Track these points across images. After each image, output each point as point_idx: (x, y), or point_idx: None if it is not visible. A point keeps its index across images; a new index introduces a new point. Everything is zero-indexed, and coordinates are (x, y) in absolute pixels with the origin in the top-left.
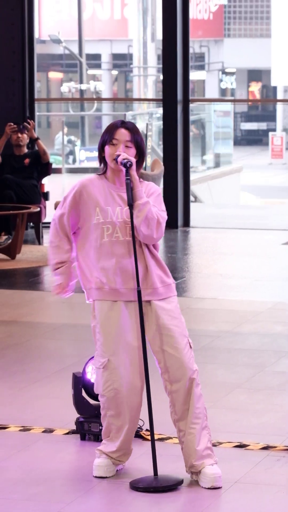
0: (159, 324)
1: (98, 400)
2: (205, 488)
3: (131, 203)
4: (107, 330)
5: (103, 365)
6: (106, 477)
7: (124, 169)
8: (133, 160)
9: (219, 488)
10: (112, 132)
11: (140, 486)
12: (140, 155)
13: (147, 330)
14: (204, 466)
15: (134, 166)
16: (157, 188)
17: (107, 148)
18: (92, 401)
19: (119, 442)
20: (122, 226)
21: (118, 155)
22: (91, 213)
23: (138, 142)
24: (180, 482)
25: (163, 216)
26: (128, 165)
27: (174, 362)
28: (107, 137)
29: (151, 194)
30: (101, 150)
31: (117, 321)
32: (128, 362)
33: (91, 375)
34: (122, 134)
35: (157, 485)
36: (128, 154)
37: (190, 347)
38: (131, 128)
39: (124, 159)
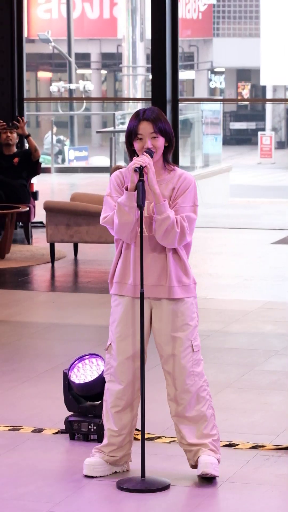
0: (166, 323)
1: (79, 401)
2: (198, 475)
3: (140, 204)
4: (114, 317)
5: (107, 347)
6: (94, 477)
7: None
8: (148, 161)
9: (213, 477)
10: (135, 127)
11: (125, 487)
12: (170, 141)
13: (154, 324)
14: (202, 454)
15: (151, 168)
16: (189, 181)
17: (135, 144)
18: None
19: (107, 435)
20: (147, 221)
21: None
22: None
23: (162, 129)
24: (167, 486)
25: (192, 217)
26: (141, 170)
27: (172, 361)
28: (133, 134)
29: (181, 190)
30: (128, 144)
31: (126, 312)
32: (127, 351)
33: (75, 375)
34: (145, 127)
35: (142, 488)
36: (156, 145)
37: (193, 350)
38: (152, 118)
39: (135, 164)
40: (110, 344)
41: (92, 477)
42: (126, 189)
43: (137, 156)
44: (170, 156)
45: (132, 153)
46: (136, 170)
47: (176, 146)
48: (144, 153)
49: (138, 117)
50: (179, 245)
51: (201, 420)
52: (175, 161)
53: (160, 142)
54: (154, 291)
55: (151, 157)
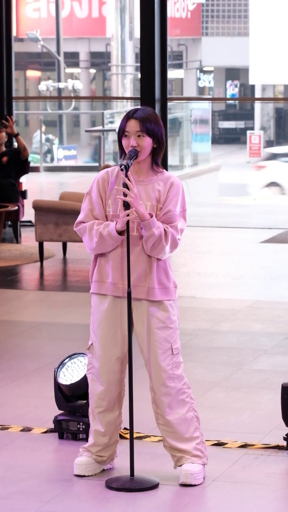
0: (145, 325)
1: (68, 399)
2: (179, 484)
3: (127, 203)
4: (95, 317)
5: (88, 347)
6: (85, 476)
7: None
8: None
9: (193, 485)
10: (124, 124)
11: (114, 486)
12: (158, 142)
13: (135, 326)
14: (185, 462)
15: (132, 191)
16: (177, 186)
17: (123, 141)
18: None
19: (94, 435)
20: (131, 220)
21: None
22: (105, 205)
23: (150, 130)
24: (156, 485)
25: (183, 226)
26: (127, 168)
27: (151, 363)
28: (121, 131)
29: (170, 196)
30: (120, 142)
31: (107, 312)
32: (110, 352)
33: (63, 374)
34: (132, 125)
35: (131, 487)
36: (141, 144)
37: (172, 353)
38: (141, 117)
39: (122, 163)
40: (92, 344)
41: (81, 476)
42: (116, 230)
43: (125, 154)
44: (160, 158)
45: (122, 150)
46: (122, 169)
47: (165, 146)
48: (129, 152)
49: (128, 115)
50: (172, 254)
51: (182, 424)
52: (164, 161)
53: (146, 142)
54: (133, 291)
55: (136, 157)
